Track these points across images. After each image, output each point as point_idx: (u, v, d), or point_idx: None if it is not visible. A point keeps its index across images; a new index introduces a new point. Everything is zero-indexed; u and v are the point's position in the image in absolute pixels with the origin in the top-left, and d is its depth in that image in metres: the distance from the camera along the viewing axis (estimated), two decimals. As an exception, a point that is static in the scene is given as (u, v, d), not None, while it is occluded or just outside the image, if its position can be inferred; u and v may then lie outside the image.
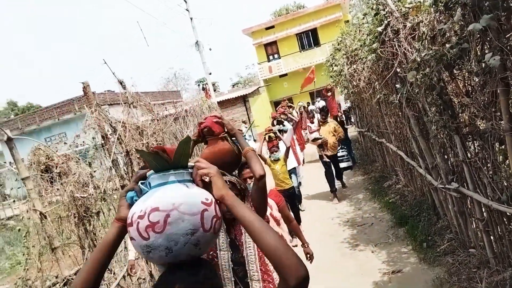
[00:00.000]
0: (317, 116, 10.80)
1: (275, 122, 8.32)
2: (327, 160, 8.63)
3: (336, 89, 14.30)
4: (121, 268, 5.40)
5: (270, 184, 7.36)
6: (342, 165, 9.52)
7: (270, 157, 6.66)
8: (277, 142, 6.63)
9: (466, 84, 3.55)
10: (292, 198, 6.78)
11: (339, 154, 9.39)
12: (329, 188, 8.77)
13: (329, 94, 15.68)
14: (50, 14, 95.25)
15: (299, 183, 8.59)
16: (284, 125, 7.64)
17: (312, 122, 11.19)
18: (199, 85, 45.66)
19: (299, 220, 6.87)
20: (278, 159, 6.60)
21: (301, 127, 13.38)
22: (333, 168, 8.77)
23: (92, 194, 4.96)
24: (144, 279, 5.86)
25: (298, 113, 13.81)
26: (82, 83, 5.37)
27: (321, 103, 14.52)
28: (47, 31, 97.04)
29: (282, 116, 8.97)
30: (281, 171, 6.63)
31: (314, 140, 8.75)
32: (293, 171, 7.82)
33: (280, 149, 6.74)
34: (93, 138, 5.22)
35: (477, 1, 2.55)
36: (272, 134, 6.57)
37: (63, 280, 4.55)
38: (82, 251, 4.86)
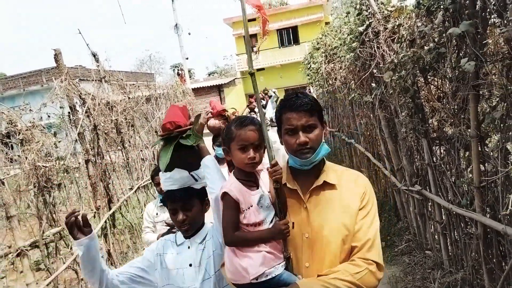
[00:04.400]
0: None
1: (248, 110, 9.26)
2: None
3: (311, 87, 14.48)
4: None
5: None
6: None
7: None
8: None
9: (438, 89, 3.65)
10: None
11: None
12: None
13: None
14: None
15: None
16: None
17: None
18: (174, 70, 44.91)
19: None
20: None
21: None
22: None
23: (55, 165, 4.81)
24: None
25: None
26: (54, 50, 5.17)
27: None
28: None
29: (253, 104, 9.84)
30: None
31: None
32: None
33: None
34: (60, 107, 5.05)
35: (458, 7, 2.63)
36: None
37: (16, 250, 4.38)
38: (39, 222, 4.69)
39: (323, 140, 1.76)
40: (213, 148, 3.95)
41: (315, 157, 1.70)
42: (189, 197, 1.98)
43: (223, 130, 2.67)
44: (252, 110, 10.27)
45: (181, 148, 1.92)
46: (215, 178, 1.86)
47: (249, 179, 1.76)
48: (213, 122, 3.81)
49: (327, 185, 1.76)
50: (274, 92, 14.68)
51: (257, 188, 1.74)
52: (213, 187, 1.84)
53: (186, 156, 1.94)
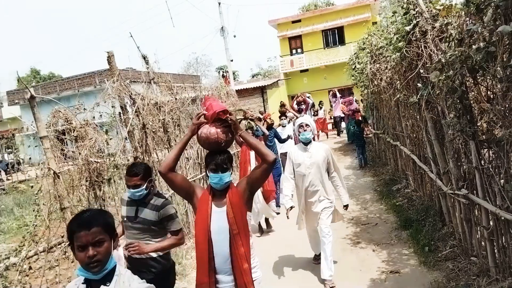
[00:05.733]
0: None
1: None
2: None
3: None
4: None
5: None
6: None
7: None
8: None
9: (488, 90, 3.53)
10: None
11: None
12: None
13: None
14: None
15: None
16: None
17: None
18: (219, 72, 45.73)
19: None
20: None
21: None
22: None
23: (105, 161, 5.08)
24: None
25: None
26: (107, 52, 5.46)
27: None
28: (73, 3, 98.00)
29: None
30: None
31: None
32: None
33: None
34: (112, 106, 5.32)
35: (510, 4, 2.54)
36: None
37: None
38: (90, 214, 4.98)
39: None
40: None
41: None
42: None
43: (222, 143, 2.73)
44: (283, 113, 10.45)
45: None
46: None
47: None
48: (207, 130, 2.70)
49: None
50: (308, 97, 14.65)
51: None
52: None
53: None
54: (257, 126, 7.35)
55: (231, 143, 2.85)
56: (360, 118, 12.19)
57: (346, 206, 5.10)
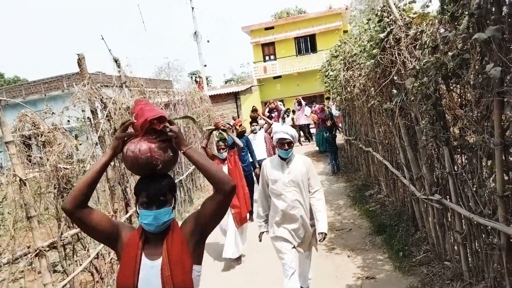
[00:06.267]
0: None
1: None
2: None
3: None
4: (94, 247, 5.32)
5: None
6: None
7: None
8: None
9: (461, 97, 3.60)
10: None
11: None
12: None
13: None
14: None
15: None
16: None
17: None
18: (191, 77, 45.46)
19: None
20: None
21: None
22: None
23: (75, 168, 4.88)
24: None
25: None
26: (77, 54, 5.28)
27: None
28: (39, 5, 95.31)
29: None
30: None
31: None
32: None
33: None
34: (82, 110, 5.13)
35: (484, 12, 2.59)
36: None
37: (35, 250, 4.45)
38: (58, 224, 4.76)
39: None
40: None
41: None
42: None
43: (159, 164, 1.89)
44: (254, 119, 9.80)
45: None
46: None
47: None
48: (135, 147, 1.88)
49: None
50: (280, 105, 14.68)
51: None
52: None
53: None
54: (229, 137, 6.46)
55: (172, 164, 2.00)
56: (329, 124, 12.22)
57: (322, 236, 4.03)
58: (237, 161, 6.45)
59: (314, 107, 16.89)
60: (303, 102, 18.10)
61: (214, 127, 6.36)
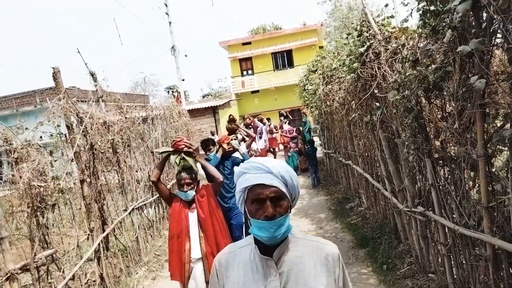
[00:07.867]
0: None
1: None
2: None
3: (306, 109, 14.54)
4: (70, 268, 5.09)
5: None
6: None
7: None
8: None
9: (441, 109, 3.64)
10: None
11: None
12: None
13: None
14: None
15: None
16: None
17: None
18: (168, 92, 45.15)
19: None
20: None
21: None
22: None
23: (49, 185, 4.68)
24: (94, 281, 5.56)
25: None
26: (53, 68, 5.13)
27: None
28: (15, 18, 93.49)
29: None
30: None
31: None
32: None
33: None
34: (57, 126, 4.95)
35: (467, 25, 2.63)
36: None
37: (6, 274, 4.20)
38: (31, 245, 4.53)
39: None
40: None
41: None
42: None
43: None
44: (232, 131, 8.10)
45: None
46: None
47: None
48: None
49: None
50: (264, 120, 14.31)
51: None
52: None
53: None
54: (196, 166, 4.25)
55: None
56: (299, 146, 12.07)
57: None
58: (214, 204, 4.22)
59: (284, 124, 15.53)
60: (267, 122, 15.15)
61: (170, 150, 4.31)
